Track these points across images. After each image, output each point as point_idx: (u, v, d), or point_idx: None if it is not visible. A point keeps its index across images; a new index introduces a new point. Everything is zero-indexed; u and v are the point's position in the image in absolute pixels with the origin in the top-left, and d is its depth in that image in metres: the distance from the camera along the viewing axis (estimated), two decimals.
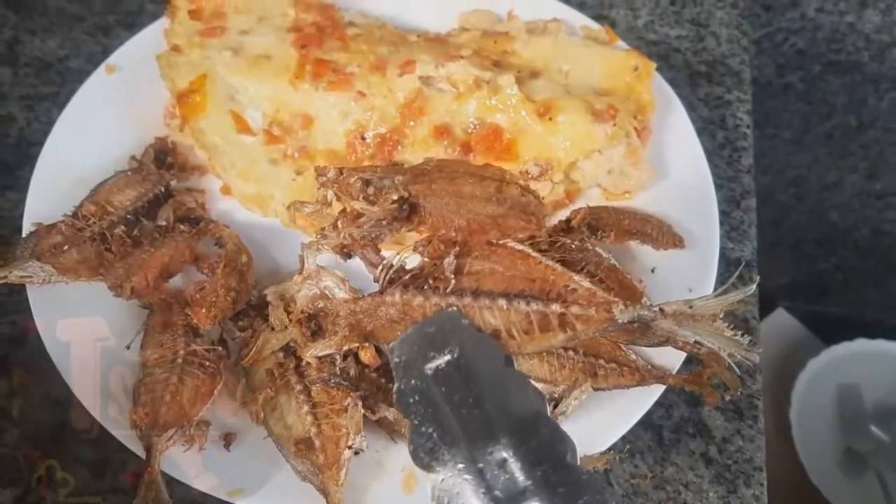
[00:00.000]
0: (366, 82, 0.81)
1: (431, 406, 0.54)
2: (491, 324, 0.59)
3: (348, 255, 0.64)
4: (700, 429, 0.74)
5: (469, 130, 0.80)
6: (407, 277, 0.61)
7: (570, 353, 0.69)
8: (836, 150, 1.48)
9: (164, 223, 0.75)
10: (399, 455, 0.66)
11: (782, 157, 1.50)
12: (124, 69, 0.84)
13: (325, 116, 0.81)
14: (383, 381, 0.68)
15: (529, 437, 0.52)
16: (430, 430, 0.54)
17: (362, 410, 0.64)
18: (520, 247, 0.60)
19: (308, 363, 0.66)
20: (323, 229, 0.64)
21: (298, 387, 0.65)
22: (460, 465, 0.51)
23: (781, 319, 1.49)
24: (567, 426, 0.66)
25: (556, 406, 0.67)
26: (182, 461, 0.63)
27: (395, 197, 0.60)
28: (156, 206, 0.77)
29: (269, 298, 0.70)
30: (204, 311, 0.67)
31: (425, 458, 0.53)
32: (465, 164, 0.64)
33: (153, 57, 0.83)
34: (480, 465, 0.50)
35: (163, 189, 0.77)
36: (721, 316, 0.57)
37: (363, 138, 0.81)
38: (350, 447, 0.62)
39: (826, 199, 1.57)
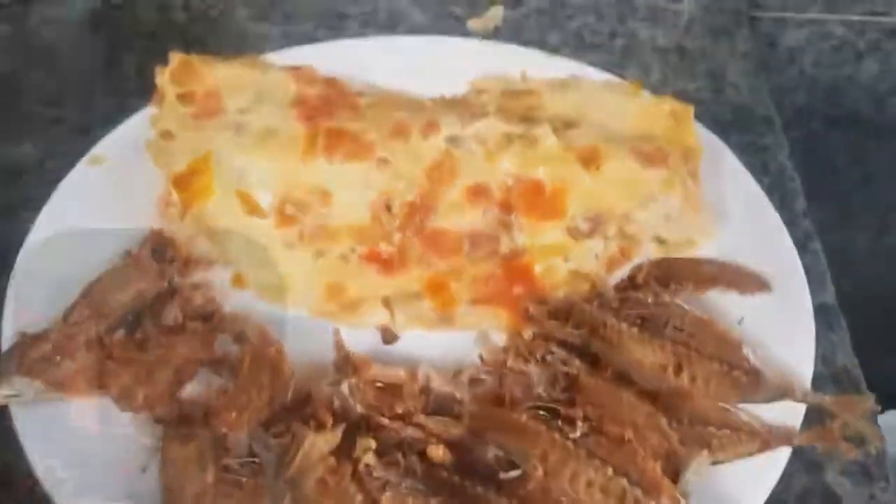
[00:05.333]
0: (388, 149, 0.72)
1: None
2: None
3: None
4: (828, 498, 0.62)
5: (507, 188, 0.72)
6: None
7: (674, 423, 0.59)
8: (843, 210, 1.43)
9: (172, 323, 0.64)
10: None
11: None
12: (110, 160, 0.75)
13: (344, 190, 0.72)
14: (456, 479, 0.56)
15: None
16: None
17: None
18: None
19: (367, 465, 0.54)
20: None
21: (359, 497, 0.53)
22: None
23: None
24: None
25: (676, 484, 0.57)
26: None
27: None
28: (159, 306, 0.65)
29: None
30: (234, 414, 0.55)
31: None
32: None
33: (142, 145, 0.74)
34: None
35: (166, 285, 0.66)
36: None
37: (388, 208, 0.72)
38: None
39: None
